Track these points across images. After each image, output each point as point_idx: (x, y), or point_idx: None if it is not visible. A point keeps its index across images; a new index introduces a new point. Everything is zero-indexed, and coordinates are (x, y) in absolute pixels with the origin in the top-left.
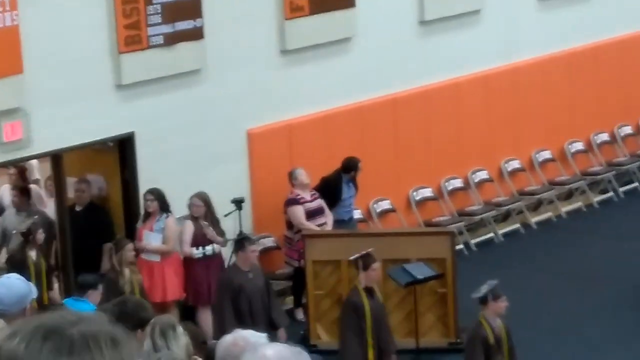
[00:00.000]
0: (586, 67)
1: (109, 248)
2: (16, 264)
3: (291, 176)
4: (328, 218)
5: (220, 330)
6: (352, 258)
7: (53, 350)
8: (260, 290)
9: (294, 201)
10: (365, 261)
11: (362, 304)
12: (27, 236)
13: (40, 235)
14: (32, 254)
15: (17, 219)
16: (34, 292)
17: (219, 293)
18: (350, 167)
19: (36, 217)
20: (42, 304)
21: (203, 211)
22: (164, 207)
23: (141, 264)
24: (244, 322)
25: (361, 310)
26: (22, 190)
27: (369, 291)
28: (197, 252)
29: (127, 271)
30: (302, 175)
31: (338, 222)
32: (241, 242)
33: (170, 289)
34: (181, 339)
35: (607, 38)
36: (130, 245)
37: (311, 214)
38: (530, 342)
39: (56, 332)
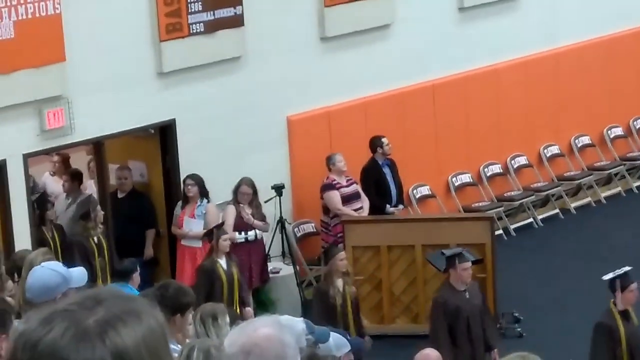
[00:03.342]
0: (625, 53)
1: (152, 234)
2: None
3: (329, 161)
4: (364, 203)
5: None
6: (606, 277)
7: (72, 341)
8: (479, 310)
9: (329, 186)
10: (623, 282)
11: (617, 328)
12: (87, 217)
13: (100, 213)
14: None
15: (66, 204)
16: (76, 280)
17: (433, 315)
18: (374, 144)
19: (88, 195)
20: None
21: (250, 197)
22: (203, 193)
23: (183, 251)
24: (461, 345)
25: (616, 335)
26: (73, 175)
27: (624, 314)
28: (239, 237)
29: (339, 282)
30: (340, 162)
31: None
32: (451, 259)
33: None
34: (223, 329)
35: None
36: (342, 254)
37: (347, 199)
38: (569, 327)
39: (76, 322)
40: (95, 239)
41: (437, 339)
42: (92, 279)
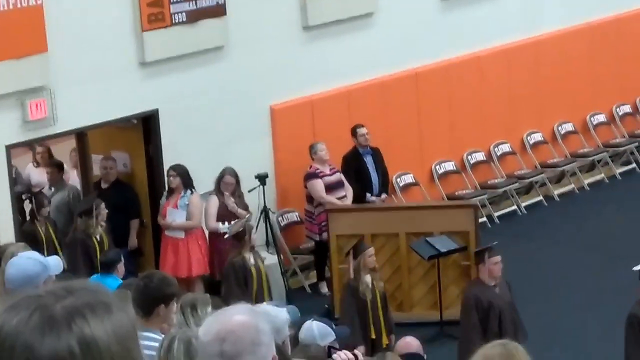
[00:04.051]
0: (608, 40)
1: (136, 224)
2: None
3: (311, 150)
4: (348, 191)
5: (467, 351)
6: (638, 268)
7: (37, 326)
8: (509, 305)
9: (313, 175)
10: None
11: None
12: (89, 214)
13: (104, 211)
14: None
15: (49, 194)
16: (53, 268)
17: (464, 312)
18: (351, 133)
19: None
20: None
21: (234, 187)
22: (187, 184)
23: (166, 241)
24: (492, 341)
25: None
26: (55, 166)
27: None
28: (222, 227)
29: (367, 277)
30: (322, 150)
31: None
32: (481, 253)
33: (196, 264)
34: (203, 319)
35: (629, 10)
36: (370, 250)
37: (330, 188)
38: (553, 314)
39: (42, 307)
40: (98, 236)
41: (470, 336)
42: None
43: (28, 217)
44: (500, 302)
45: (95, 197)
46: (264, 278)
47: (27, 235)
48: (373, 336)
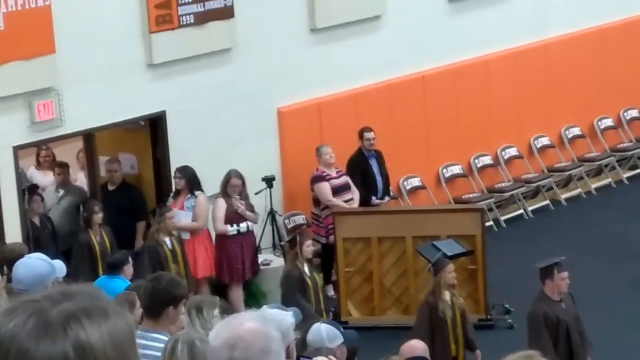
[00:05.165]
0: (616, 43)
1: (142, 226)
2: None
3: (317, 153)
4: (355, 194)
5: None
6: None
7: (32, 330)
8: (575, 318)
9: (319, 178)
10: None
11: None
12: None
13: (170, 220)
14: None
15: (56, 196)
16: (59, 271)
17: (534, 329)
18: (359, 136)
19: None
20: None
21: (240, 189)
22: (193, 186)
23: None
24: (562, 354)
25: None
26: (66, 167)
27: None
28: (231, 229)
29: (447, 294)
30: (327, 154)
31: None
32: (549, 269)
33: (201, 265)
34: (209, 322)
35: (636, 14)
36: (450, 267)
37: (337, 190)
38: None
39: (38, 311)
40: (169, 244)
41: (542, 348)
42: None
43: (82, 225)
44: (567, 316)
45: (164, 204)
46: (321, 290)
47: (83, 246)
48: (454, 354)
